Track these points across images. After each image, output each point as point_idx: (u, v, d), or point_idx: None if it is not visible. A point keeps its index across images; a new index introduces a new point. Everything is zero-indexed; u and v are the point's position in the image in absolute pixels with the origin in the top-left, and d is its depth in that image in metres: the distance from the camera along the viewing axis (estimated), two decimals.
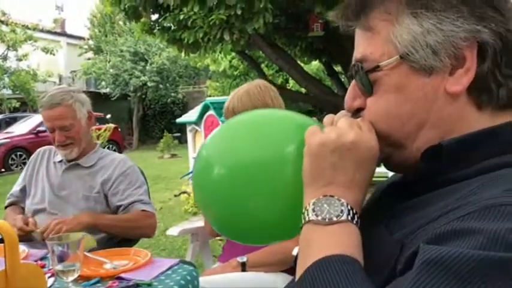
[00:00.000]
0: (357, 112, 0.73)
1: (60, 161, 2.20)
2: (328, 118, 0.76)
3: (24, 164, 10.44)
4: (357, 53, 0.72)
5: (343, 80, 8.00)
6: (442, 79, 0.65)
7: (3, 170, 11.76)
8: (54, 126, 2.10)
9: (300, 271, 0.63)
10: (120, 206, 2.09)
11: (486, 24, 0.63)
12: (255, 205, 0.73)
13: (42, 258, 1.73)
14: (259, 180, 0.72)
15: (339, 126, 0.69)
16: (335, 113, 0.76)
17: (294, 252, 1.63)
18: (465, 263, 0.49)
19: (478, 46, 0.64)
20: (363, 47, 0.71)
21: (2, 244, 1.33)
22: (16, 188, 2.29)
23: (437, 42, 0.64)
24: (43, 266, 1.63)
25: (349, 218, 0.65)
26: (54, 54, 15.66)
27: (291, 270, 1.51)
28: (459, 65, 0.64)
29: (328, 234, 0.64)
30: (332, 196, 0.66)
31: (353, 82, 0.73)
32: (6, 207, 2.29)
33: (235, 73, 13.25)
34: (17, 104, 14.88)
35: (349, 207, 0.65)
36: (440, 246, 0.52)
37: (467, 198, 0.58)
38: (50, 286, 1.48)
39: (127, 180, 2.13)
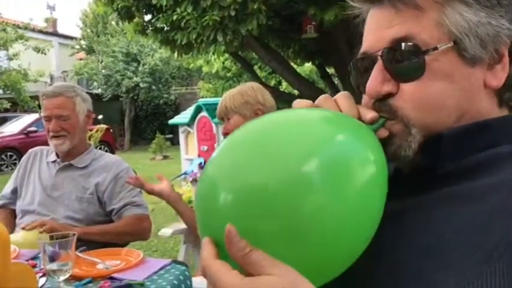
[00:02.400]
0: (383, 99, 0.67)
1: (54, 161, 2.19)
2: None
3: (15, 164, 10.29)
4: (395, 32, 0.65)
5: (336, 82, 8.03)
6: (482, 72, 0.65)
7: None
8: (51, 115, 2.10)
9: None
10: (113, 209, 2.08)
11: None
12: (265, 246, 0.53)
13: (33, 258, 1.72)
14: (269, 213, 0.53)
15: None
16: None
17: None
18: None
19: (509, 46, 0.65)
20: (405, 25, 0.64)
21: None
22: (7, 189, 2.26)
23: (487, 34, 0.64)
24: (34, 266, 1.62)
25: None
26: (45, 54, 15.53)
27: None
28: (497, 61, 0.65)
29: None
30: None
31: (380, 65, 0.67)
32: None
33: (228, 75, 13.24)
34: (8, 105, 14.74)
35: None
36: None
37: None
38: (42, 286, 1.47)
39: (121, 183, 2.12)
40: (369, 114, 0.65)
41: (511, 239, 0.51)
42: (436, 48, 0.63)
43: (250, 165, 0.56)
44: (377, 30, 0.68)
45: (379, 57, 0.67)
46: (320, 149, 0.56)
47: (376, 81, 0.66)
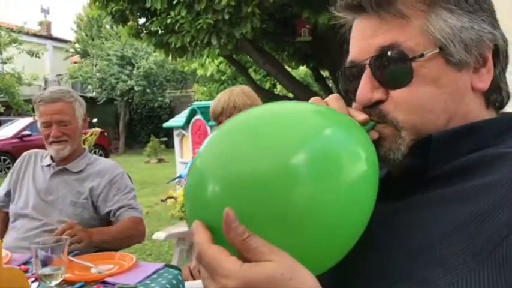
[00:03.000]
0: (374, 105, 0.68)
1: (48, 165, 2.17)
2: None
3: (9, 168, 10.21)
4: (382, 40, 0.66)
5: (330, 85, 8.05)
6: (469, 76, 0.67)
7: None
8: (52, 120, 2.08)
9: None
10: (109, 211, 2.07)
11: (498, 31, 0.68)
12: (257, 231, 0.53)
13: (25, 263, 1.71)
14: (261, 202, 0.53)
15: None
16: None
17: None
18: None
19: (493, 50, 0.68)
20: (391, 34, 0.66)
21: None
22: (0, 193, 2.25)
23: (471, 39, 0.66)
24: (26, 271, 1.61)
25: None
26: (39, 57, 15.49)
27: None
28: (482, 64, 0.67)
29: None
30: None
31: (368, 73, 0.68)
32: None
33: (223, 78, 13.27)
34: (2, 109, 14.67)
35: None
36: None
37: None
38: None
39: (116, 187, 2.12)
40: (360, 116, 0.67)
41: (498, 238, 0.52)
42: (422, 55, 0.65)
43: (240, 155, 0.56)
44: (363, 39, 0.69)
45: (367, 66, 0.68)
46: (310, 141, 0.56)
47: (365, 89, 0.68)
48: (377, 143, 0.68)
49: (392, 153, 0.68)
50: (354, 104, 0.73)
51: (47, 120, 2.09)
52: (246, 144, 0.57)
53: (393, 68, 0.66)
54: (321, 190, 0.54)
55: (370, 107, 0.68)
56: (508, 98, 0.73)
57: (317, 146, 0.56)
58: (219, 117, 2.04)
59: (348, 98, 0.76)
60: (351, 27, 0.74)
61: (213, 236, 0.53)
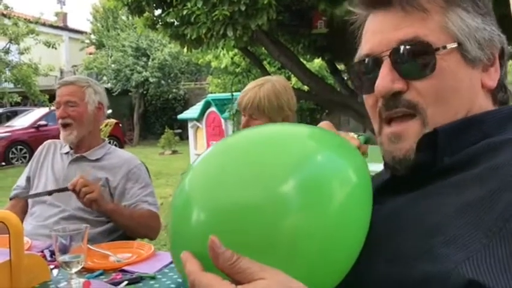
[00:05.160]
0: (394, 96, 0.70)
1: (67, 153, 2.21)
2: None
3: (25, 157, 10.41)
4: (403, 34, 0.69)
5: (345, 78, 7.99)
6: (479, 73, 0.71)
7: (3, 163, 11.76)
8: (61, 101, 2.15)
9: None
10: (125, 205, 2.09)
11: (503, 34, 0.73)
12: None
13: (44, 250, 1.73)
14: (247, 233, 0.53)
15: None
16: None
17: None
18: None
19: (499, 51, 0.72)
20: (413, 28, 0.68)
21: (7, 235, 1.34)
22: (21, 179, 2.30)
23: (484, 39, 0.70)
24: (44, 257, 1.63)
25: None
26: (56, 48, 15.60)
27: None
28: (491, 63, 0.72)
29: None
30: None
31: (388, 64, 0.70)
32: (11, 199, 2.29)
33: (237, 70, 13.23)
34: (19, 99, 14.85)
35: None
36: None
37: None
38: (54, 277, 1.48)
39: (133, 179, 2.13)
40: (352, 141, 0.74)
41: (507, 214, 0.55)
42: (444, 47, 0.68)
43: (227, 183, 0.55)
44: (382, 33, 0.71)
45: (386, 58, 0.70)
46: (299, 168, 0.56)
47: (386, 80, 0.69)
48: (395, 145, 0.70)
49: (413, 153, 0.69)
50: (365, 98, 0.75)
51: (57, 102, 2.17)
52: (234, 172, 0.56)
53: (416, 59, 0.68)
54: (311, 218, 0.54)
55: (393, 99, 0.70)
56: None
57: (306, 173, 0.56)
58: (243, 111, 1.98)
59: (360, 93, 0.77)
60: (359, 26, 0.77)
61: (203, 264, 0.53)
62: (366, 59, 0.73)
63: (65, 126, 2.14)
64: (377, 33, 0.72)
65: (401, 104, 0.69)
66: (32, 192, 2.19)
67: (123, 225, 2.03)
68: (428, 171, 0.68)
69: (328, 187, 0.56)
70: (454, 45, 0.67)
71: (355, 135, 0.90)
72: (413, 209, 0.65)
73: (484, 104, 0.72)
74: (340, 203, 0.57)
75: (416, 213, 0.64)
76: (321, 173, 0.57)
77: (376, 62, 0.71)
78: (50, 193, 2.00)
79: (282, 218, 0.53)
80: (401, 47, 0.68)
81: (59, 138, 2.24)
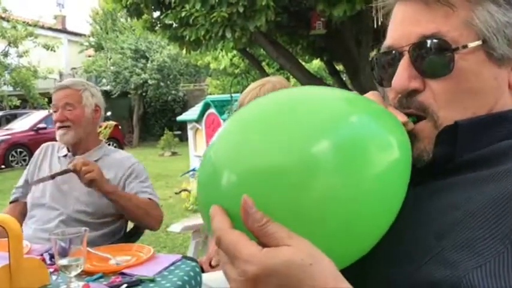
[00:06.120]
0: (409, 95, 0.67)
1: (65, 156, 2.21)
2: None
3: (25, 160, 10.33)
4: (424, 29, 0.65)
5: (344, 79, 7.99)
6: (507, 72, 0.66)
7: (3, 166, 11.76)
8: (58, 105, 2.16)
9: None
10: None
11: None
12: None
13: (44, 253, 1.73)
14: (278, 193, 0.51)
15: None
16: None
17: None
18: None
19: None
20: (435, 23, 0.64)
21: (6, 239, 1.34)
22: (20, 183, 2.30)
23: None
24: (44, 261, 1.63)
25: None
26: (54, 51, 15.63)
27: None
28: None
29: None
30: None
31: (406, 60, 0.66)
32: (11, 202, 2.29)
33: (236, 71, 13.23)
34: (18, 102, 14.85)
35: None
36: None
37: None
38: (54, 281, 1.48)
39: (133, 176, 2.15)
40: (399, 117, 0.65)
41: None
42: (465, 46, 0.63)
43: (256, 145, 0.54)
44: (404, 25, 0.68)
45: (406, 53, 0.66)
46: (332, 129, 0.54)
47: (403, 77, 0.66)
48: (412, 144, 0.66)
49: (427, 155, 0.67)
50: (386, 91, 0.71)
51: (54, 105, 2.18)
52: (262, 134, 0.54)
53: (434, 57, 0.64)
54: (344, 183, 0.52)
55: (407, 97, 0.67)
56: None
57: (339, 134, 0.53)
58: None
59: (381, 87, 0.74)
60: (387, 13, 0.71)
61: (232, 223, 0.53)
62: (388, 52, 0.70)
63: (62, 127, 2.15)
64: (401, 24, 0.68)
65: (413, 104, 0.67)
66: (30, 194, 2.19)
67: (123, 207, 2.02)
68: (445, 167, 0.65)
69: (365, 149, 0.54)
70: (479, 42, 0.63)
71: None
72: (427, 206, 0.63)
73: (510, 105, 0.67)
74: (379, 167, 0.54)
75: (429, 211, 0.62)
76: (358, 135, 0.54)
77: (396, 55, 0.68)
78: (52, 177, 2.01)
79: (311, 180, 0.51)
80: (421, 43, 0.65)
81: (57, 140, 2.24)
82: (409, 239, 0.61)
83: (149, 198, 2.10)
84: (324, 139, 0.52)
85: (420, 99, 0.66)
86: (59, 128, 2.15)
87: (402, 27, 0.68)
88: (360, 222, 0.54)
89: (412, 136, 0.66)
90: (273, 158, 0.52)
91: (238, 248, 0.50)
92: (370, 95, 0.68)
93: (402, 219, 0.61)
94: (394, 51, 0.69)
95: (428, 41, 0.64)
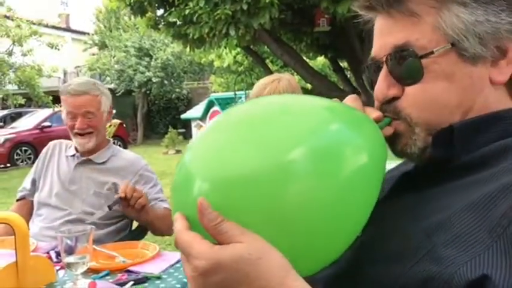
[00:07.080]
0: (389, 102, 0.71)
1: (73, 156, 2.19)
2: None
3: (30, 159, 10.35)
4: (395, 40, 0.68)
5: (348, 76, 7.98)
6: (486, 69, 0.67)
7: (8, 165, 11.81)
8: (78, 113, 2.09)
9: None
10: None
11: None
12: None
13: (50, 251, 1.74)
14: (251, 201, 0.53)
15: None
16: None
17: None
18: None
19: None
20: (404, 33, 0.68)
21: (13, 237, 1.34)
22: (27, 181, 2.29)
23: (486, 32, 0.65)
24: (50, 258, 1.64)
25: None
26: (59, 49, 15.65)
27: None
28: (501, 56, 0.67)
29: None
30: None
31: (385, 70, 0.71)
32: (17, 200, 2.29)
33: (240, 69, 13.23)
34: (23, 101, 14.90)
35: None
36: None
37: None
38: (60, 278, 1.49)
39: (143, 181, 2.14)
40: (374, 114, 0.70)
41: None
42: (432, 53, 0.66)
43: (231, 150, 0.55)
44: (382, 37, 0.72)
45: (384, 63, 0.71)
46: (308, 137, 0.56)
47: (382, 85, 0.71)
48: (394, 139, 0.71)
49: (409, 148, 0.70)
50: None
51: (72, 112, 2.10)
52: (239, 139, 0.56)
53: (405, 65, 0.68)
54: (316, 187, 0.54)
55: (387, 104, 0.71)
56: None
57: (315, 142, 0.55)
58: None
59: (373, 92, 0.77)
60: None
61: (192, 226, 0.55)
62: (372, 63, 0.75)
63: (83, 134, 2.12)
64: (378, 36, 0.73)
65: (388, 110, 0.71)
66: (37, 193, 2.18)
67: (150, 223, 2.04)
68: (443, 168, 0.67)
69: (338, 155, 0.57)
70: (447, 46, 0.65)
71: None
72: (422, 209, 0.64)
73: (494, 100, 0.68)
74: (350, 171, 0.56)
75: (422, 213, 0.63)
76: (331, 141, 0.57)
77: (378, 66, 0.73)
78: (110, 208, 1.90)
79: (286, 185, 0.53)
80: (395, 53, 0.69)
81: (64, 138, 2.23)
82: (399, 241, 0.62)
83: (164, 207, 2.10)
84: (298, 147, 0.54)
85: (396, 105, 0.70)
86: (79, 135, 2.11)
87: (380, 39, 0.72)
88: (333, 226, 0.56)
89: (393, 134, 0.70)
90: (246, 164, 0.54)
91: (191, 246, 0.53)
92: (349, 99, 0.72)
93: (395, 220, 0.64)
94: (376, 62, 0.73)
95: (400, 50, 0.68)
